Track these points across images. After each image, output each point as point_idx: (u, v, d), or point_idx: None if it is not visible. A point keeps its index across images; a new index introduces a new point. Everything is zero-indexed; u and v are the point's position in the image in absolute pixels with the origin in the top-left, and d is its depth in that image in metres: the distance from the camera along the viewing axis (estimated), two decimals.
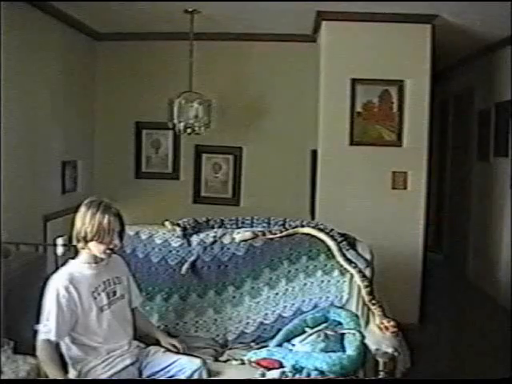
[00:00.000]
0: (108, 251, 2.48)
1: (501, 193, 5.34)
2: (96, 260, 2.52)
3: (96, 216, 2.42)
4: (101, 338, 2.46)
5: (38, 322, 2.41)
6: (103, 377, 2.42)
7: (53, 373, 2.30)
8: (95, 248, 2.46)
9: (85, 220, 2.43)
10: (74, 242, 2.50)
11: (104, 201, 2.50)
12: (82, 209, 2.48)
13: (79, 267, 2.50)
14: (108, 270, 2.57)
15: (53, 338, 2.33)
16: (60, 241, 4.49)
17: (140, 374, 2.53)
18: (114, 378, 2.43)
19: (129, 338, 2.59)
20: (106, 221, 2.42)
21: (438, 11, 4.29)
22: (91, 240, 2.44)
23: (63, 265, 2.57)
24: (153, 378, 2.52)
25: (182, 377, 2.46)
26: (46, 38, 4.45)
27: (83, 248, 2.49)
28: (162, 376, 2.51)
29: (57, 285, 2.40)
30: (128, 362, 2.50)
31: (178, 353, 2.62)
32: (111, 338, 2.49)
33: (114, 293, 2.57)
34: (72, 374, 2.43)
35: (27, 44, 4.13)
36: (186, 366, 2.49)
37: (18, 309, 3.05)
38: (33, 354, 2.49)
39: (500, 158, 5.36)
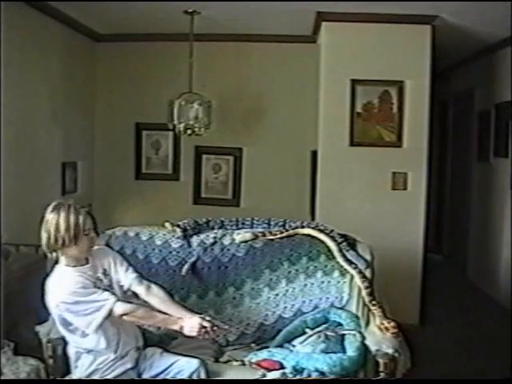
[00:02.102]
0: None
1: (501, 193, 5.34)
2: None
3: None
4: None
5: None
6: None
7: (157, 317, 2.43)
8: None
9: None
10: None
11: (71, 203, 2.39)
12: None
13: None
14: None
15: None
16: None
17: (139, 377, 2.50)
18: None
19: (138, 342, 2.55)
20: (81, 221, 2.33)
21: (437, 12, 4.29)
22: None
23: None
24: None
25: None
26: (45, 39, 4.46)
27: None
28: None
29: None
30: (129, 365, 2.47)
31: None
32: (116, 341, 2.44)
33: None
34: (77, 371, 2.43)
35: (27, 45, 4.13)
36: (185, 367, 2.47)
37: (18, 310, 3.05)
38: (33, 356, 2.49)
39: (500, 158, 5.36)
